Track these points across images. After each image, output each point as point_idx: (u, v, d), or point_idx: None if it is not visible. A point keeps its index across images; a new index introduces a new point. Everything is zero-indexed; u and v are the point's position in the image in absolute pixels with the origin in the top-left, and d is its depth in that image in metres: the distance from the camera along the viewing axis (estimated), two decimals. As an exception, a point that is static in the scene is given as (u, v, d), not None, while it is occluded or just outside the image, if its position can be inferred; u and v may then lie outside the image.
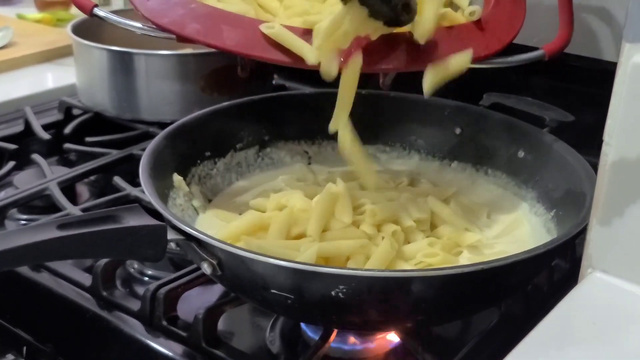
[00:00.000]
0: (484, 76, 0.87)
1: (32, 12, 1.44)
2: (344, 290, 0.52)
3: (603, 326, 0.41)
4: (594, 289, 0.43)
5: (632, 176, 0.41)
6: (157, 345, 0.64)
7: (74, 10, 1.43)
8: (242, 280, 0.57)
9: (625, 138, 0.41)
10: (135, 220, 0.54)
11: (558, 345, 0.40)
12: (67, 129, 1.00)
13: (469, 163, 0.80)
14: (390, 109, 0.82)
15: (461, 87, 0.85)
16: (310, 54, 0.62)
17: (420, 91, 0.65)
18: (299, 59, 0.63)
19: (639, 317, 0.41)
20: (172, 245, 0.57)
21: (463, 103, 0.81)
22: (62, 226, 0.51)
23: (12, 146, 0.94)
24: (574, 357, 0.40)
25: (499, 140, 0.77)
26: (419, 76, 0.65)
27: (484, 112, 0.80)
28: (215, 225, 0.71)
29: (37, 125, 0.99)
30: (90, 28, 1.05)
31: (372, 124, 0.82)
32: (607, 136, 0.42)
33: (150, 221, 0.55)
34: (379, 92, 0.79)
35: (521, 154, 0.75)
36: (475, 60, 0.66)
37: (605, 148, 0.42)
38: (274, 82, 1.10)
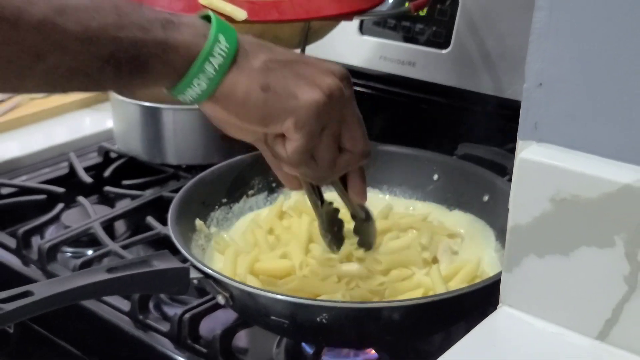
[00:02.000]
0: (459, 128, 1.01)
1: None
2: (326, 317, 0.66)
3: (501, 347, 0.56)
4: (500, 320, 0.58)
5: (523, 238, 0.56)
6: (184, 359, 0.76)
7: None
8: (249, 308, 0.72)
9: (515, 211, 0.56)
10: (165, 264, 0.68)
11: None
12: (107, 172, 1.12)
13: (443, 205, 0.93)
14: (378, 159, 0.94)
15: (439, 138, 1.00)
16: (237, 12, 0.80)
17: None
18: (230, 18, 0.80)
19: (531, 341, 0.56)
20: (195, 282, 0.71)
21: (440, 154, 0.94)
22: (110, 270, 0.66)
23: (60, 189, 1.06)
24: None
25: (468, 185, 0.91)
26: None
27: (457, 162, 0.94)
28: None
29: (80, 170, 1.11)
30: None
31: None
32: (510, 205, 0.57)
33: (176, 264, 0.69)
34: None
35: (485, 198, 0.89)
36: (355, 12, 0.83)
37: (509, 214, 0.57)
38: None
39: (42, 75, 0.57)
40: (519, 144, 0.56)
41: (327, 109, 0.64)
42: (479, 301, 0.70)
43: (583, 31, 0.52)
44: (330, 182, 0.74)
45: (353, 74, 1.11)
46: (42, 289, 0.62)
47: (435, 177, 0.93)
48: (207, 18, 0.64)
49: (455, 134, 1.03)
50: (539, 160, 0.55)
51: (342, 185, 0.75)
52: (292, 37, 0.95)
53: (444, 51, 1.09)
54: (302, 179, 0.74)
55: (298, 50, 0.91)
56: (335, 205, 0.79)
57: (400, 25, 1.13)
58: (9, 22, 0.54)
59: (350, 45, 1.16)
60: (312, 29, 0.95)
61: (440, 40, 1.10)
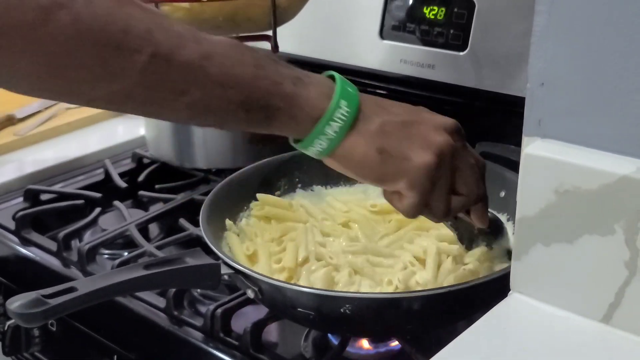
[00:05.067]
0: (478, 128, 1.04)
1: None
2: (350, 307, 0.70)
3: (511, 330, 0.60)
4: (511, 306, 0.62)
5: (531, 229, 0.60)
6: (216, 352, 0.79)
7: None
8: (276, 302, 0.76)
9: (522, 203, 0.60)
10: (197, 260, 0.73)
11: (480, 346, 0.59)
12: (140, 177, 1.17)
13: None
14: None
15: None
16: None
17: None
18: None
19: (540, 325, 0.60)
20: (225, 277, 0.75)
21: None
22: (146, 267, 0.70)
23: (97, 195, 1.10)
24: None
25: (487, 182, 0.94)
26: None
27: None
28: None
29: (115, 175, 1.15)
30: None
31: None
32: (517, 198, 0.61)
33: (208, 261, 0.73)
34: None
35: (502, 194, 0.92)
36: None
37: (517, 207, 0.61)
38: None
39: (182, 109, 0.64)
40: (524, 140, 0.59)
41: (439, 167, 0.69)
42: (497, 290, 0.73)
43: (580, 32, 0.56)
44: None
45: (374, 77, 1.17)
46: (85, 285, 0.67)
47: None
48: (332, 77, 0.69)
49: (474, 133, 1.05)
50: (543, 155, 0.58)
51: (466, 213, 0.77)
52: (262, 18, 0.99)
53: (461, 53, 1.12)
54: None
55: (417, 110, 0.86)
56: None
57: (419, 29, 1.16)
58: (164, 58, 0.60)
59: (371, 49, 1.19)
60: (280, 7, 0.99)
61: (458, 42, 1.13)
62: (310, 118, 0.66)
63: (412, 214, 0.71)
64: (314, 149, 0.68)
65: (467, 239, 0.82)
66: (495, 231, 0.84)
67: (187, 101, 0.63)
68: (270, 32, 1.02)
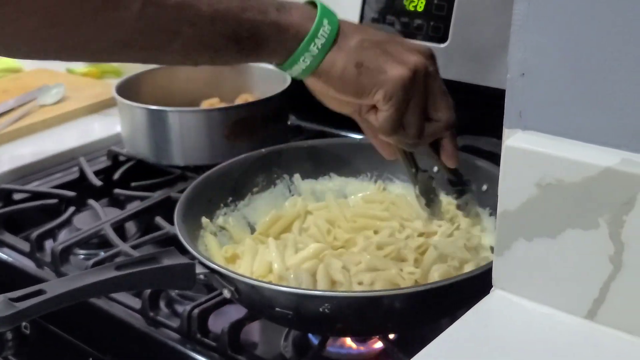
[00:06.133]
0: (459, 121, 1.02)
1: (80, 65, 1.56)
2: (329, 307, 0.69)
3: (493, 328, 0.58)
4: (493, 303, 0.60)
5: (512, 223, 0.58)
6: (194, 353, 0.78)
7: (116, 62, 1.60)
8: (254, 301, 0.74)
9: (503, 197, 0.58)
10: (172, 260, 0.71)
11: (462, 344, 0.57)
12: (116, 175, 1.15)
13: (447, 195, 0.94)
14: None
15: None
16: None
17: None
18: None
19: (523, 322, 0.58)
20: (201, 277, 0.73)
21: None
22: (118, 267, 0.68)
23: (71, 193, 1.08)
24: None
25: (468, 176, 0.93)
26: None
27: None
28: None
29: (90, 173, 1.13)
30: (132, 86, 1.21)
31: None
32: (499, 192, 0.59)
33: (183, 260, 0.72)
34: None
35: (484, 187, 0.91)
36: None
37: (498, 200, 0.59)
38: (289, 122, 1.22)
39: (177, 49, 0.69)
40: (505, 132, 0.58)
41: (413, 82, 0.73)
42: (480, 286, 0.71)
43: (562, 21, 0.54)
44: (423, 151, 0.83)
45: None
46: (54, 287, 0.65)
47: (436, 169, 0.94)
48: (312, 4, 0.74)
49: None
50: (524, 147, 0.57)
51: (436, 153, 0.82)
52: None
53: (442, 45, 1.10)
54: (397, 147, 0.83)
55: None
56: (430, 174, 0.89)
57: (399, 21, 1.15)
58: (155, 3, 0.66)
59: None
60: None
61: (438, 34, 1.11)
62: (296, 39, 0.72)
63: (387, 128, 0.74)
64: (298, 67, 0.73)
65: (425, 193, 0.88)
66: (456, 183, 0.88)
67: (182, 41, 0.68)
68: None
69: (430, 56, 0.76)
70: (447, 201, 0.91)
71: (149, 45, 0.68)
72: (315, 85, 0.76)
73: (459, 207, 0.89)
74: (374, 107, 0.75)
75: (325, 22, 0.72)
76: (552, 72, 0.55)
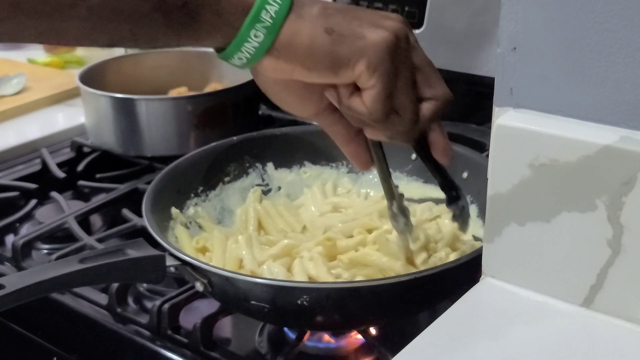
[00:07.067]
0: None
1: (42, 55, 1.55)
2: (307, 299, 0.65)
3: (485, 318, 0.55)
4: (484, 292, 0.57)
5: (504, 207, 0.55)
6: (164, 350, 0.75)
7: (79, 51, 1.56)
8: (228, 294, 0.71)
9: (494, 179, 0.55)
10: (140, 252, 0.67)
11: (453, 335, 0.54)
12: (80, 167, 1.12)
13: (423, 184, 0.92)
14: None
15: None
16: None
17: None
18: None
19: (516, 311, 0.55)
20: (171, 269, 0.70)
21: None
22: (82, 260, 0.64)
23: (33, 186, 1.05)
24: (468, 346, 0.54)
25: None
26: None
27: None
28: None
29: (53, 165, 1.10)
30: (96, 75, 1.17)
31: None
32: (489, 174, 0.56)
33: (152, 252, 0.68)
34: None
35: (465, 174, 0.88)
36: None
37: (488, 183, 0.56)
38: (260, 112, 1.20)
39: (82, 17, 0.54)
40: (495, 110, 0.55)
41: (397, 49, 0.59)
42: (462, 277, 0.68)
43: (555, -9, 0.51)
44: (414, 145, 0.68)
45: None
46: (13, 282, 0.61)
47: (414, 156, 0.92)
48: None
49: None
50: (516, 126, 0.54)
51: (425, 152, 0.69)
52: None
53: (417, 31, 1.08)
54: (374, 153, 0.70)
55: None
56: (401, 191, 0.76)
57: (373, 6, 1.12)
58: None
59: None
60: None
61: (414, 20, 1.09)
62: (241, 10, 0.57)
63: (379, 110, 0.60)
64: (249, 46, 0.58)
65: (402, 211, 0.75)
66: (448, 188, 0.74)
67: (88, 4, 0.54)
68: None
69: (406, 22, 0.62)
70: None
71: (42, 11, 0.53)
72: (274, 70, 0.60)
73: (454, 217, 0.75)
74: (356, 90, 0.61)
75: None
76: (546, 45, 0.52)
